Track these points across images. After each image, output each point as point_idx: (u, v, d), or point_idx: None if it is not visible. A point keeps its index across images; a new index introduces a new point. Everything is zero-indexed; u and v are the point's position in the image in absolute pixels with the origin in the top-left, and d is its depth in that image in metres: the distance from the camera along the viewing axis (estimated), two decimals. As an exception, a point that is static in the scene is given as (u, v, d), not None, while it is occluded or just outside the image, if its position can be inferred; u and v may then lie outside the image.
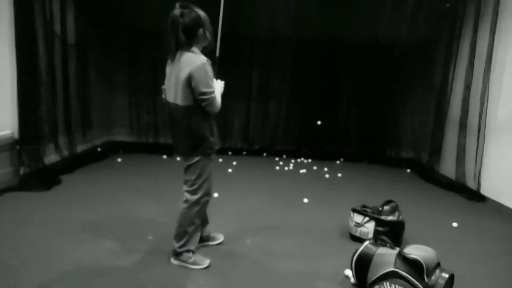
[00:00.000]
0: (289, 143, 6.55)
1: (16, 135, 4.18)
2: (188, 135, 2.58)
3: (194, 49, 2.54)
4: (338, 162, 6.26)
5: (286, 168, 5.68)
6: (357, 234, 3.23)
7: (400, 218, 3.19)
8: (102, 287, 2.40)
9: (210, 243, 3.03)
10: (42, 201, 3.75)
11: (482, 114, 4.70)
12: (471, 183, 4.87)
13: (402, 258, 2.38)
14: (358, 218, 3.24)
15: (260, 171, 5.47)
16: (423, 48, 5.98)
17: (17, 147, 4.16)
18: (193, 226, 2.68)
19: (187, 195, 2.67)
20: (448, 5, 5.40)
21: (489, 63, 4.63)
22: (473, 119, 4.88)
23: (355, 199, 3.96)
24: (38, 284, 2.38)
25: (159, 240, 3.03)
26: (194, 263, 2.67)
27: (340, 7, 5.81)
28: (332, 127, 6.49)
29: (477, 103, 4.78)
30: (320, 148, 6.51)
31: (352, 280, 2.59)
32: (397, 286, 2.35)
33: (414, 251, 2.39)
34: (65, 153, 5.02)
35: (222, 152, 5.70)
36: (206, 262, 2.70)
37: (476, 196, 4.66)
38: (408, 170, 5.94)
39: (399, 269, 2.36)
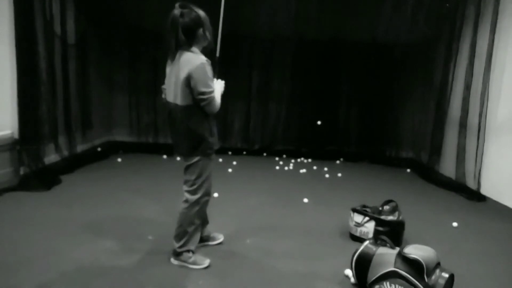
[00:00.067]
0: (289, 143, 6.55)
1: (16, 135, 4.18)
2: (188, 135, 2.58)
3: (194, 49, 2.54)
4: (338, 162, 6.25)
5: (286, 168, 5.67)
6: (357, 234, 3.23)
7: (400, 218, 3.19)
8: (102, 287, 2.40)
9: (210, 243, 3.03)
10: (42, 201, 3.75)
11: (482, 114, 4.70)
12: (471, 183, 4.87)
13: (402, 258, 2.38)
14: (358, 218, 3.24)
15: (260, 171, 5.47)
16: (423, 48, 5.97)
17: (17, 147, 4.16)
18: (193, 226, 2.68)
19: (187, 195, 2.67)
20: (448, 5, 5.39)
21: (489, 63, 4.63)
22: (473, 119, 4.88)
23: (355, 199, 3.96)
24: (38, 284, 2.38)
25: (159, 240, 3.03)
26: (194, 263, 2.67)
27: (340, 7, 5.81)
28: (332, 127, 6.49)
29: (477, 103, 4.78)
30: (320, 148, 6.50)
31: (352, 280, 2.59)
32: (397, 286, 2.35)
33: (414, 251, 2.39)
34: (65, 153, 5.02)
35: (222, 152, 5.72)
36: (206, 262, 2.70)
37: (476, 196, 4.65)
38: (408, 170, 5.94)
39: (399, 269, 2.36)
